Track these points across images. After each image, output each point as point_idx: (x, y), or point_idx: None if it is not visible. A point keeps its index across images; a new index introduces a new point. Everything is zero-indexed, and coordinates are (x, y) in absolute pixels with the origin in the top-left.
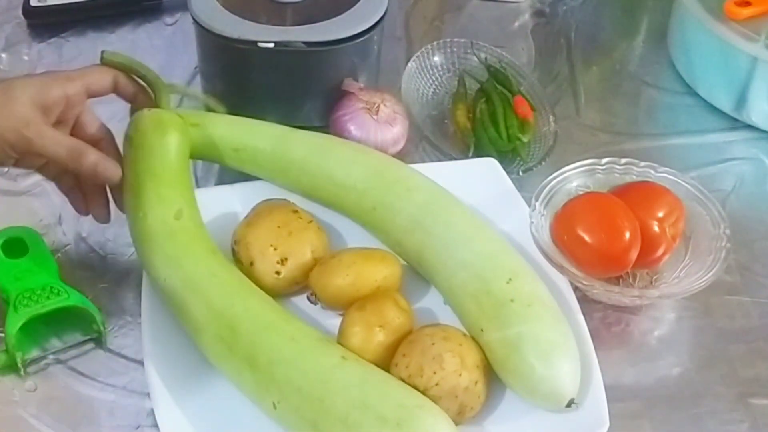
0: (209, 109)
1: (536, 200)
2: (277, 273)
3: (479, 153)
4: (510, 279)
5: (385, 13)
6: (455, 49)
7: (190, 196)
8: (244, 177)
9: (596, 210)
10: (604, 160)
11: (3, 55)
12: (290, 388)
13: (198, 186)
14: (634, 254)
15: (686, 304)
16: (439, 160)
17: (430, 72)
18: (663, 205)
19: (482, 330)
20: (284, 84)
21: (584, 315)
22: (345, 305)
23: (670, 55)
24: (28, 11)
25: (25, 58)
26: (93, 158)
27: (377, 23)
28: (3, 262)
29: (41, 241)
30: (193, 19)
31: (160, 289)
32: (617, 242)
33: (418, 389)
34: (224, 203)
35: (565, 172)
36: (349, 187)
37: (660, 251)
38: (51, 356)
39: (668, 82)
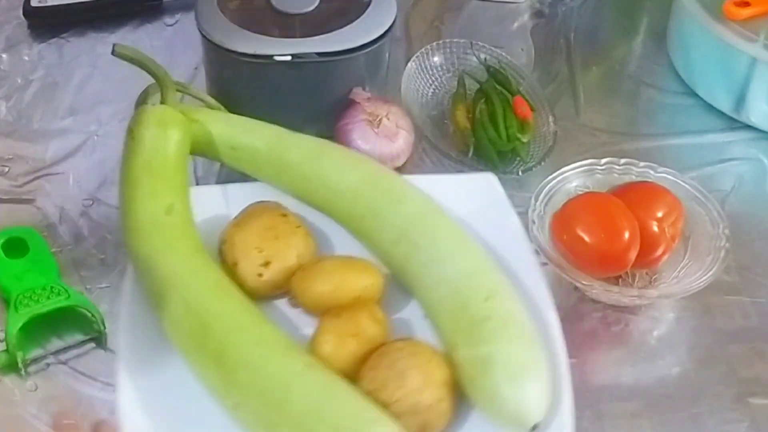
0: (211, 108)
1: (536, 200)
2: (260, 275)
3: (479, 153)
4: (488, 297)
5: (395, 18)
6: (455, 50)
7: (184, 193)
8: (245, 178)
9: (595, 210)
10: (604, 161)
11: (3, 56)
12: (252, 390)
13: (198, 184)
14: (633, 254)
15: (685, 304)
16: (439, 161)
17: (430, 72)
18: (662, 205)
19: (455, 347)
20: (297, 95)
21: (583, 315)
22: (323, 312)
23: (670, 55)
24: (29, 12)
25: (26, 58)
26: None
27: (389, 29)
28: (4, 262)
29: (42, 241)
30: (203, 35)
31: (142, 281)
32: (616, 242)
33: (381, 404)
34: (219, 202)
35: (565, 172)
36: (340, 193)
37: (659, 251)
38: (51, 356)
39: (667, 82)
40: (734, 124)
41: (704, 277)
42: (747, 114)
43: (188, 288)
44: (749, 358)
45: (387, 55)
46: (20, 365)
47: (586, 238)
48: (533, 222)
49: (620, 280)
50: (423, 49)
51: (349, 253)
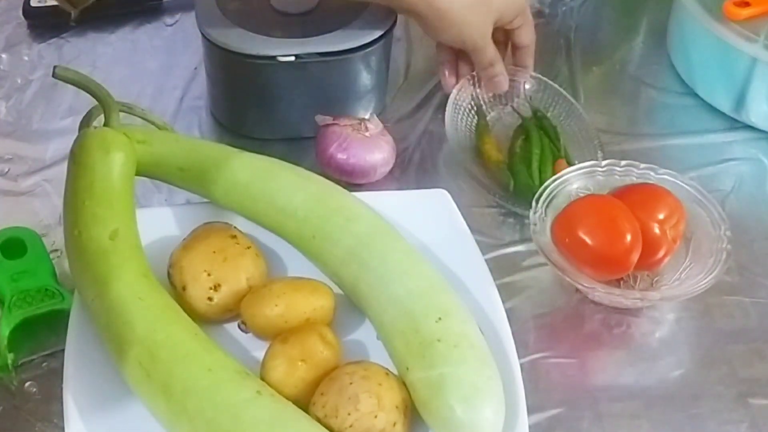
0: (159, 128)
1: (536, 203)
2: (210, 299)
3: (519, 190)
4: (440, 318)
5: (396, 15)
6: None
7: (129, 216)
8: (194, 198)
9: (597, 212)
10: (604, 162)
11: (3, 56)
12: (201, 419)
13: (167, 203)
14: (635, 256)
15: (686, 305)
16: (478, 194)
17: (476, 100)
18: (663, 207)
19: (408, 369)
20: (297, 95)
21: (585, 317)
22: (274, 336)
23: (670, 55)
24: (29, 11)
25: (26, 58)
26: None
27: (391, 27)
28: (1, 262)
29: (40, 242)
30: (204, 36)
31: (88, 309)
32: (619, 244)
33: (332, 430)
34: (168, 224)
35: (566, 174)
36: (289, 214)
37: (661, 253)
38: (50, 357)
39: (668, 82)
40: (734, 124)
41: (706, 279)
42: (747, 114)
43: (133, 315)
44: (749, 358)
45: (389, 53)
46: (10, 367)
47: (588, 241)
48: (534, 225)
49: (622, 282)
50: (468, 76)
51: (301, 273)
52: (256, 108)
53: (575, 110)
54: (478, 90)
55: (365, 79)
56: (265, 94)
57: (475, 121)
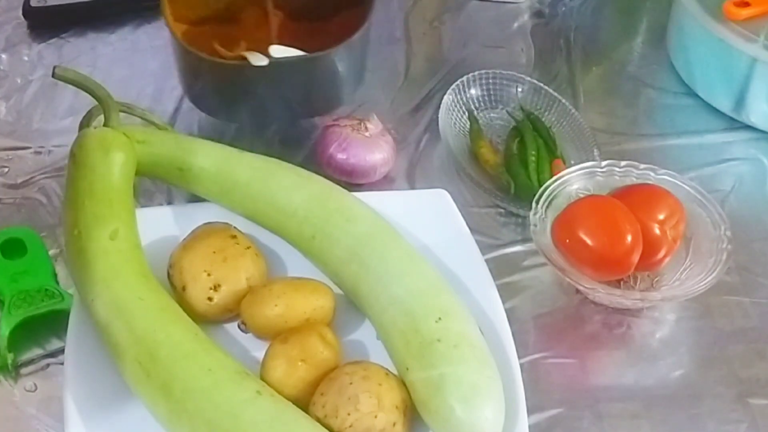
0: (159, 128)
1: (536, 203)
2: (210, 299)
3: (520, 191)
4: (440, 318)
5: (371, 11)
6: (491, 80)
7: (129, 217)
8: (194, 198)
9: (598, 213)
10: (604, 163)
11: (3, 56)
12: (201, 419)
13: (169, 202)
14: (636, 257)
15: (686, 305)
16: (477, 194)
17: (467, 105)
18: (664, 208)
19: (407, 369)
20: (281, 96)
21: (585, 318)
22: (274, 336)
23: (669, 55)
24: (29, 12)
25: (25, 58)
26: None
27: (366, 21)
28: (1, 262)
29: (40, 242)
30: (176, 38)
31: (88, 309)
32: (619, 245)
33: (332, 430)
34: (168, 224)
35: (565, 174)
36: (290, 214)
37: (661, 254)
38: (50, 357)
39: (667, 82)
40: (734, 124)
41: (707, 279)
42: (747, 114)
43: (134, 315)
44: (749, 358)
45: (366, 48)
46: (9, 366)
47: (589, 242)
48: (535, 226)
49: (622, 283)
50: (459, 82)
51: (301, 273)
52: (230, 111)
53: (569, 112)
54: (468, 95)
55: (345, 76)
56: (240, 97)
57: (468, 126)
